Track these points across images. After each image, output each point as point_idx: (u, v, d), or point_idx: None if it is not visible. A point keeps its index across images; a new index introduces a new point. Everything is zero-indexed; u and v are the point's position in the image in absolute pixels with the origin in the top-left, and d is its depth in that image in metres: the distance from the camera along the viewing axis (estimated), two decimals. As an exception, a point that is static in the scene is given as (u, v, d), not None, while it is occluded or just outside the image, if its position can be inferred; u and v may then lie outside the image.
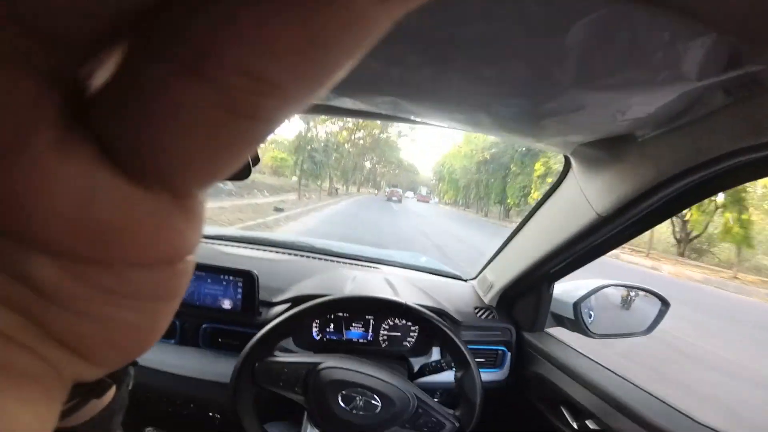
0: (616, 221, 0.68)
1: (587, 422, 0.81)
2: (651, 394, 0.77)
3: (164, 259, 0.10)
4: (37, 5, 0.06)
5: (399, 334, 1.07)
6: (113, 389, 0.25)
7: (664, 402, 0.75)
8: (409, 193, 51.47)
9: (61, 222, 0.08)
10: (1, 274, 0.09)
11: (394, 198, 29.33)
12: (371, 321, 1.06)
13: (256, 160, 0.78)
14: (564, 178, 0.80)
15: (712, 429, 0.67)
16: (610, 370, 0.88)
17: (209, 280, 0.98)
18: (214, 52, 0.07)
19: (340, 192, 25.32)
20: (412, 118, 0.63)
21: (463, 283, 1.31)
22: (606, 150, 0.61)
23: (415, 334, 1.07)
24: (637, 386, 0.81)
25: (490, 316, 1.11)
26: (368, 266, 1.34)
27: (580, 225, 0.74)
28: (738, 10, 0.33)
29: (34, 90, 0.07)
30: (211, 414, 1.05)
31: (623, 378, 0.84)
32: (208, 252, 1.23)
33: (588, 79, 0.43)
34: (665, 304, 0.95)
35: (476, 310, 1.12)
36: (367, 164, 35.34)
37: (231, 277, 0.97)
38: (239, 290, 0.97)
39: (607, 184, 0.65)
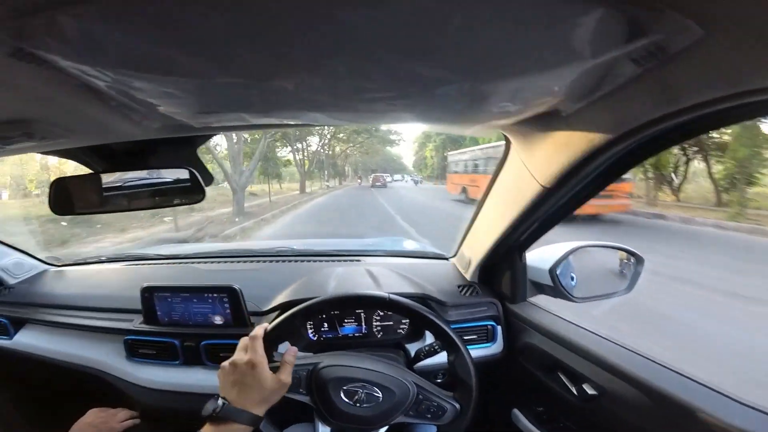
0: (561, 190, 0.69)
1: (584, 386, 0.83)
2: (638, 353, 0.78)
3: None
4: None
5: (391, 323, 1.09)
6: None
7: (652, 360, 0.76)
8: (398, 177, 37.86)
9: None
10: None
11: (377, 184, 27.34)
12: (362, 315, 1.09)
13: (209, 179, 0.80)
14: (507, 154, 0.80)
15: (698, 381, 0.68)
16: (595, 333, 0.89)
17: (195, 300, 1.02)
18: None
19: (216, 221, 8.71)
20: (341, 122, 0.63)
21: (445, 261, 1.32)
22: (536, 126, 0.62)
23: (407, 321, 1.10)
24: (623, 346, 0.82)
25: (473, 293, 1.12)
26: (350, 260, 1.36)
27: (528, 197, 0.76)
28: None
29: None
30: None
31: (609, 340, 0.85)
32: (189, 272, 1.27)
33: (486, 71, 0.42)
34: (639, 260, 0.95)
35: (460, 288, 1.14)
36: (313, 142, 22.72)
37: (215, 294, 1.01)
38: (226, 305, 1.01)
39: (545, 158, 0.66)
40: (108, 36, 0.35)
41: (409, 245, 1.56)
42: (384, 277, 1.17)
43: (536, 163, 0.70)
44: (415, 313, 0.83)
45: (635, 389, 0.72)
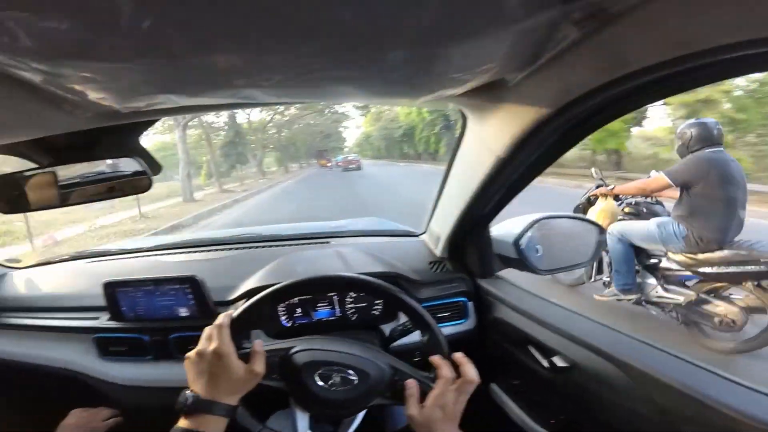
0: (516, 160, 0.69)
1: (554, 359, 0.84)
2: (604, 325, 0.80)
3: None
4: None
5: (365, 304, 1.08)
6: None
7: (618, 332, 0.77)
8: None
9: None
10: None
11: (351, 167, 25.41)
12: (335, 298, 1.08)
13: (157, 167, 0.77)
14: (465, 128, 0.80)
15: (665, 351, 0.69)
16: (562, 306, 0.90)
17: (158, 293, 0.99)
18: None
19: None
20: (275, 101, 0.61)
21: (415, 239, 1.32)
22: (486, 98, 0.61)
23: (381, 302, 1.10)
24: (588, 318, 0.83)
25: (443, 269, 1.13)
26: (319, 243, 1.35)
27: (487, 168, 0.76)
28: None
29: None
30: None
31: (576, 312, 0.86)
32: (153, 265, 1.24)
33: (424, 35, 0.40)
34: (601, 231, 0.97)
35: (431, 265, 1.14)
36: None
37: (177, 286, 0.99)
38: (190, 296, 0.99)
39: (497, 129, 0.66)
40: (19, 22, 0.31)
41: (379, 224, 1.55)
42: (353, 258, 1.16)
43: (490, 134, 0.70)
44: (378, 290, 0.82)
45: (605, 360, 0.73)
